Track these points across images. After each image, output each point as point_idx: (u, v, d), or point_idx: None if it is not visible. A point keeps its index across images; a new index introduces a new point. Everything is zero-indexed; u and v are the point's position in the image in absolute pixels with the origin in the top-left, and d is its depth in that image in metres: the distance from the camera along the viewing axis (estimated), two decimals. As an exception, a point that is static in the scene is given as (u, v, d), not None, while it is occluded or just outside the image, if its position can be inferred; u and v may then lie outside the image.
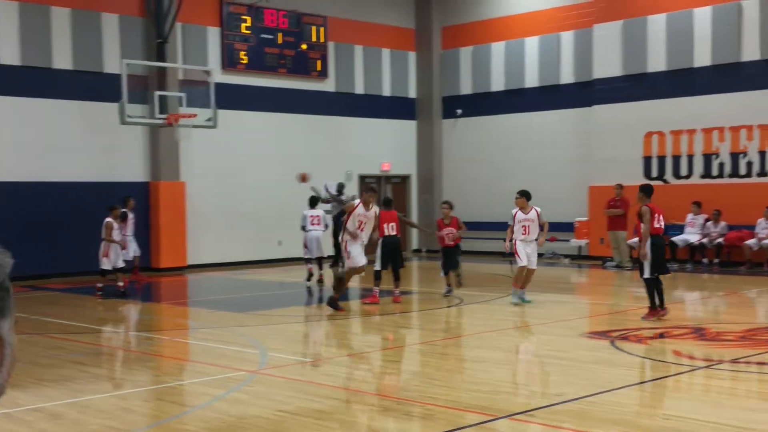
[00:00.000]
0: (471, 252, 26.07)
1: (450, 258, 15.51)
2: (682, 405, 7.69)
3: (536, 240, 14.43)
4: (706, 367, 9.26)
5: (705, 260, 20.50)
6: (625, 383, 8.39)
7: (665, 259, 12.86)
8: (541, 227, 14.33)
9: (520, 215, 14.39)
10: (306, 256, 17.99)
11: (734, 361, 9.50)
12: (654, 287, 12.32)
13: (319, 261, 18.03)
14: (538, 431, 6.88)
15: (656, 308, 12.32)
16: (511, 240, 14.35)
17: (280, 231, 23.84)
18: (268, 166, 23.85)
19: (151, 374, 9.63)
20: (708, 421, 7.03)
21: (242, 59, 23.35)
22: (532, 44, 24.84)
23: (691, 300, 16.19)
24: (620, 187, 21.39)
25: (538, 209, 14.43)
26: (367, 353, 10.14)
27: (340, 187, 20.03)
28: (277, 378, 8.99)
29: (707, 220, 20.52)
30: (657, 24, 21.75)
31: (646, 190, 12.67)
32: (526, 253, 14.31)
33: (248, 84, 23.54)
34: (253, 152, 23.65)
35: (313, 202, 18.39)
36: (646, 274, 12.28)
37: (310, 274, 17.88)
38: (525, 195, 14.56)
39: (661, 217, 12.52)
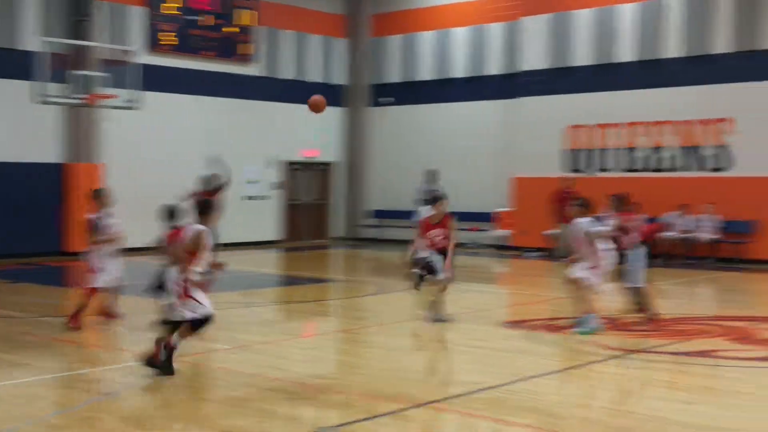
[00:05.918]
0: (394, 241, 26.11)
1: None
2: (596, 393, 7.76)
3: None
4: (620, 357, 9.38)
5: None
6: (540, 372, 8.45)
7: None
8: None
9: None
10: None
11: (647, 351, 9.64)
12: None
13: None
14: (453, 419, 6.87)
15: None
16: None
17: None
18: (192, 150, 23.40)
19: None
20: (620, 410, 7.12)
21: (168, 40, 22.88)
22: (460, 35, 24.96)
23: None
24: (571, 180, 20.89)
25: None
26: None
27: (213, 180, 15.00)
28: None
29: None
30: (583, 19, 22.06)
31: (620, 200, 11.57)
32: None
33: (174, 66, 23.07)
34: (177, 136, 23.20)
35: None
36: (641, 283, 11.41)
37: None
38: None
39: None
